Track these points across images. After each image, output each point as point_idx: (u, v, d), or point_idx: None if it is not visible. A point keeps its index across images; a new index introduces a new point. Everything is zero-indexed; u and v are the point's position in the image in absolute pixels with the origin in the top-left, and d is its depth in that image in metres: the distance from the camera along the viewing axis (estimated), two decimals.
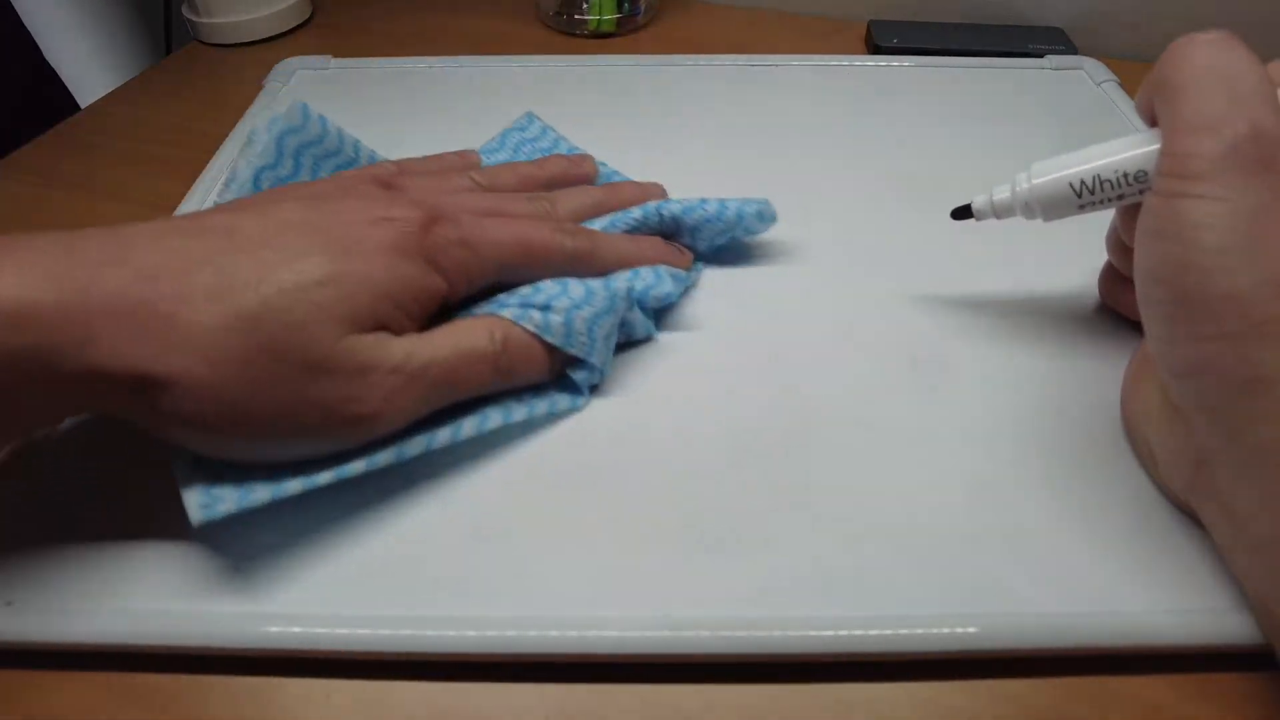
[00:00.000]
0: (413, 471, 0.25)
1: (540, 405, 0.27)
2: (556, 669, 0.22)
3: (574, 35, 0.53)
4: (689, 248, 0.32)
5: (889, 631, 0.21)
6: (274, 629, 0.21)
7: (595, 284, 0.27)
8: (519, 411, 0.26)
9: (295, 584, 0.23)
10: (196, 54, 0.52)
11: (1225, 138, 0.20)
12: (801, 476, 0.25)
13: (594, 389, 0.28)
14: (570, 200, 0.31)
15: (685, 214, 0.31)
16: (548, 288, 0.27)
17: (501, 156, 0.37)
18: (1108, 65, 0.46)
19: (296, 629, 0.21)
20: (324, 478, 0.23)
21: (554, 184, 0.33)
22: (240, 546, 0.23)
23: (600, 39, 0.53)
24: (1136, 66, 0.47)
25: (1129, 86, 0.44)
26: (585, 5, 0.51)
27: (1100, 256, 0.29)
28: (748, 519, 0.24)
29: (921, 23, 0.52)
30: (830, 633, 0.21)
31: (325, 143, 0.32)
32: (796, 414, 0.27)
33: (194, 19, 0.52)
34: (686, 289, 0.31)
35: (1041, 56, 0.47)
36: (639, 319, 0.29)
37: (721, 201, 0.32)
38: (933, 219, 0.31)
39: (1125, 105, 0.42)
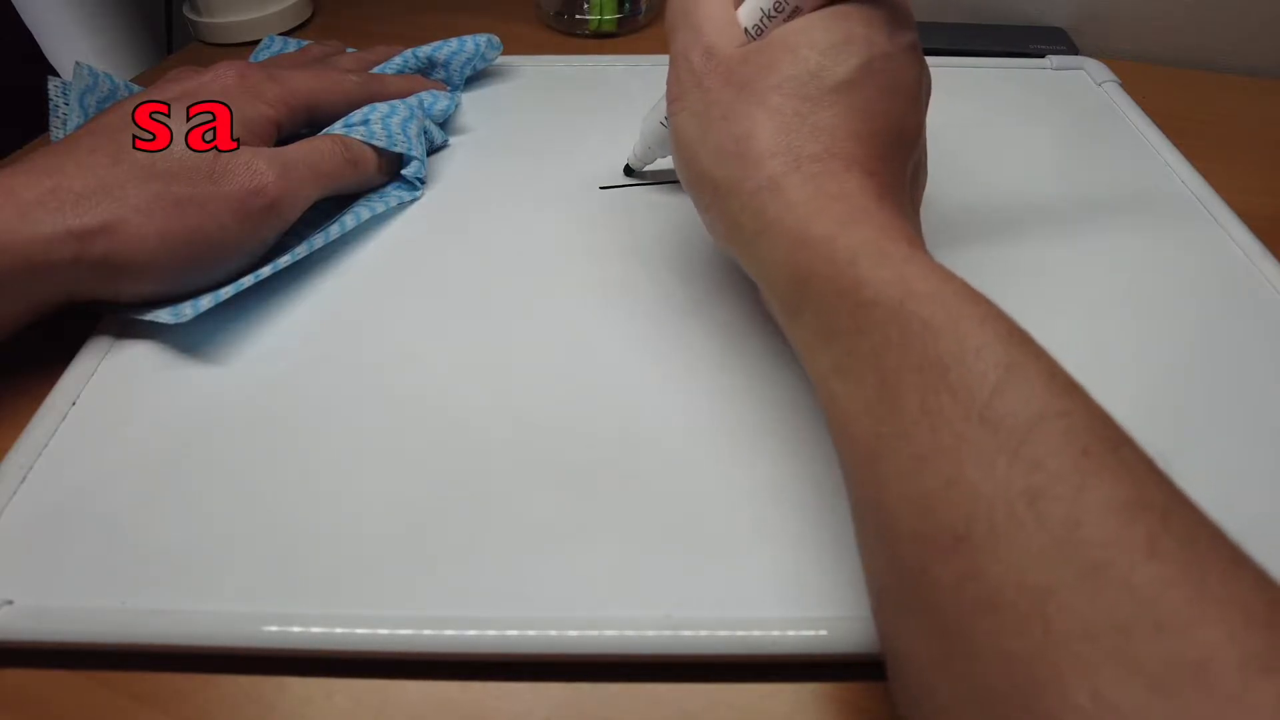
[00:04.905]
0: (412, 467, 0.25)
1: (391, 199, 0.35)
2: (557, 669, 0.22)
3: (574, 35, 0.53)
4: (445, 81, 0.43)
5: None
6: (274, 629, 0.21)
7: (395, 103, 0.37)
8: (379, 205, 0.35)
9: (295, 584, 0.23)
10: (197, 54, 0.52)
11: (691, 61, 0.25)
12: (806, 475, 0.25)
13: (424, 180, 0.37)
14: (349, 60, 0.41)
15: (435, 52, 0.42)
16: (361, 112, 0.35)
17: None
18: (1108, 65, 0.46)
19: (296, 629, 0.21)
20: (264, 270, 0.30)
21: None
22: (240, 546, 0.23)
23: (600, 39, 0.53)
24: (1137, 66, 0.47)
25: (1130, 86, 0.44)
26: (586, 5, 0.51)
27: None
28: (750, 517, 0.24)
29: (922, 23, 0.51)
30: (832, 633, 0.21)
31: (117, 95, 0.35)
32: (809, 416, 0.27)
33: (194, 19, 0.52)
34: (456, 106, 0.42)
35: (1042, 56, 0.47)
36: (434, 130, 0.39)
37: (460, 39, 0.43)
38: (932, 218, 0.31)
39: (1126, 105, 0.42)
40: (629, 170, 0.37)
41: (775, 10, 0.24)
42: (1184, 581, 0.14)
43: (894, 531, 0.17)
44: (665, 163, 0.37)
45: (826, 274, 0.21)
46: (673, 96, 0.26)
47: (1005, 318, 0.18)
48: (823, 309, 0.21)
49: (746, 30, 0.25)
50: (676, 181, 0.37)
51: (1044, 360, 0.17)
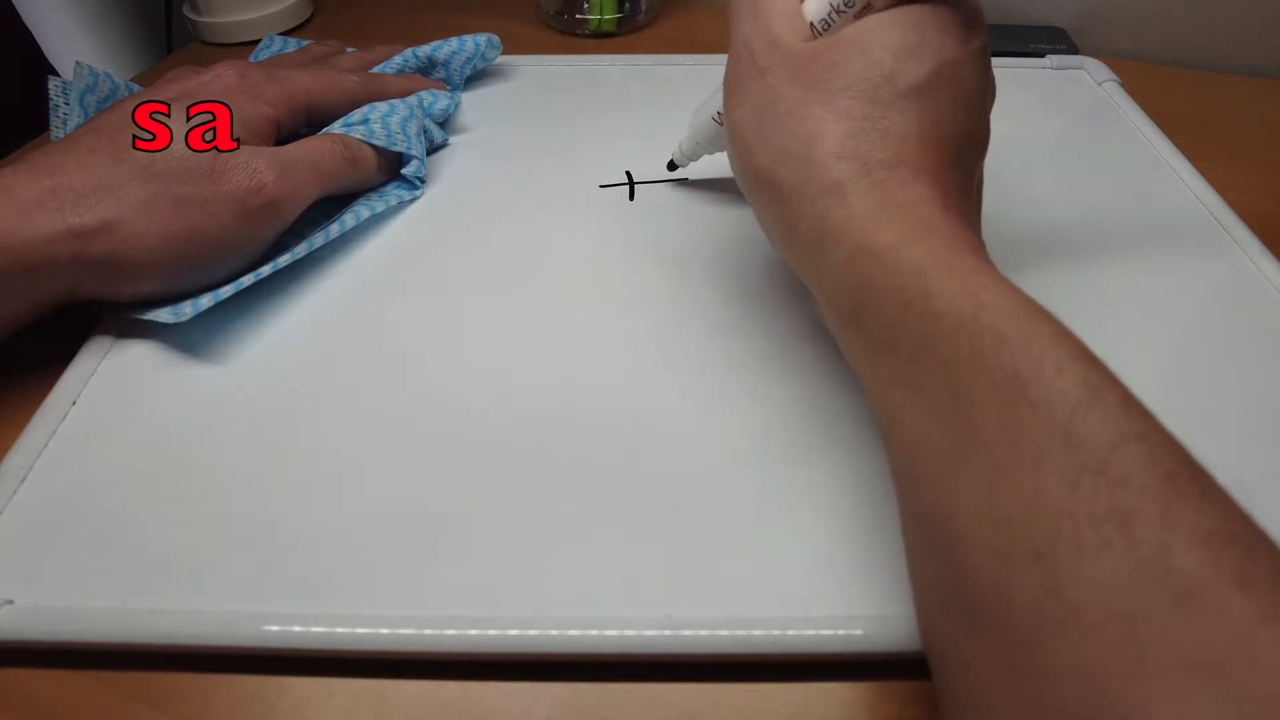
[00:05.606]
0: (412, 467, 0.25)
1: (391, 198, 0.35)
2: (557, 668, 0.22)
3: (574, 35, 0.53)
4: (445, 80, 0.43)
5: (892, 630, 0.21)
6: (274, 629, 0.21)
7: (395, 102, 0.37)
8: (379, 205, 0.35)
9: (295, 584, 0.23)
10: (197, 54, 0.52)
11: (753, 52, 0.24)
12: (805, 475, 0.25)
13: (423, 180, 0.37)
14: (349, 59, 0.41)
15: (435, 52, 0.42)
16: (360, 111, 0.36)
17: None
18: (1108, 65, 0.46)
19: (296, 628, 0.21)
20: (264, 270, 0.30)
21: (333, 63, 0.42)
22: (240, 546, 0.23)
23: (600, 39, 0.53)
24: (1137, 66, 0.47)
25: (1130, 86, 0.44)
26: (585, 5, 0.51)
27: None
28: (749, 518, 0.24)
29: None
30: (832, 632, 0.21)
31: (117, 95, 0.35)
32: (805, 416, 0.27)
33: (194, 18, 0.52)
34: (456, 106, 0.42)
35: (1042, 56, 0.47)
36: (434, 129, 0.39)
37: (460, 39, 0.43)
38: None
39: (1127, 105, 0.42)
40: (672, 166, 0.36)
41: (845, 5, 0.23)
42: (1277, 616, 0.13)
43: (964, 543, 0.17)
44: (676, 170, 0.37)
45: (891, 284, 0.20)
46: (731, 89, 0.25)
47: (1075, 336, 0.18)
48: (885, 319, 0.20)
49: (812, 25, 0.24)
50: (677, 181, 0.37)
51: (1119, 383, 0.17)
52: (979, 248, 0.21)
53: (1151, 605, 0.14)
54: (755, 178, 0.24)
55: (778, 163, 0.23)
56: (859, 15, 0.23)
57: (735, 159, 0.25)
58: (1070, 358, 0.17)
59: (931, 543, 0.19)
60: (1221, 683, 0.13)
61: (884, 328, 0.20)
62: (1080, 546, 0.15)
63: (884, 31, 0.23)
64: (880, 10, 0.23)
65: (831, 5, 0.24)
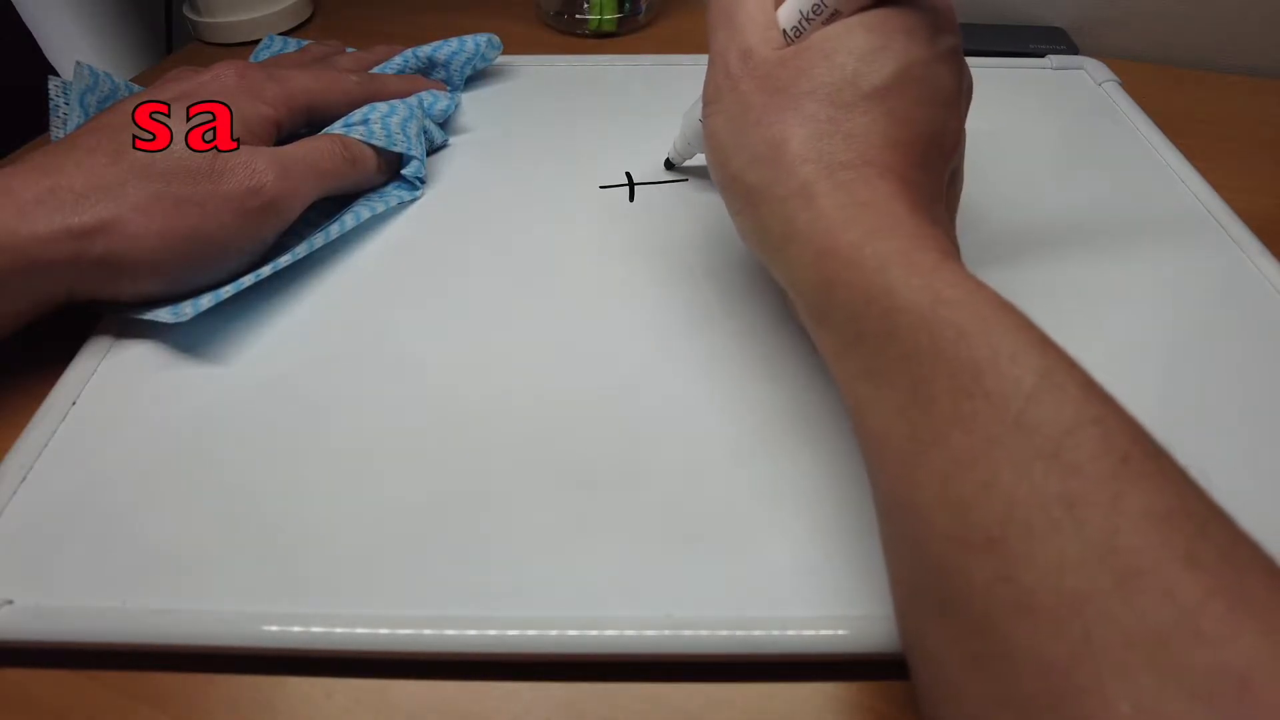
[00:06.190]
0: (412, 467, 0.25)
1: (391, 199, 0.35)
2: (558, 668, 0.22)
3: (574, 35, 0.53)
4: (445, 80, 0.43)
5: (893, 630, 0.21)
6: (274, 629, 0.21)
7: (395, 102, 0.37)
8: (379, 205, 0.35)
9: (295, 584, 0.23)
10: (197, 54, 0.52)
11: (728, 62, 0.25)
12: (805, 475, 0.25)
13: (423, 181, 0.37)
14: (349, 59, 0.41)
15: (435, 52, 0.42)
16: (360, 112, 0.36)
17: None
18: (1108, 65, 0.46)
19: (296, 628, 0.21)
20: (265, 270, 0.30)
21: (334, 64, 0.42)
22: (240, 546, 0.23)
23: (600, 39, 0.53)
24: (1137, 66, 0.47)
25: (1130, 86, 0.44)
26: (586, 5, 0.51)
27: None
28: (751, 517, 0.24)
29: None
30: (833, 632, 0.21)
31: (117, 95, 0.35)
32: (807, 415, 0.27)
33: (194, 18, 0.52)
34: (456, 106, 0.42)
35: (1042, 56, 0.47)
36: (434, 129, 0.39)
37: (460, 39, 0.43)
38: None
39: (1126, 105, 0.42)
40: (669, 164, 0.37)
41: (814, 12, 0.24)
42: (1224, 592, 0.14)
43: (927, 532, 0.17)
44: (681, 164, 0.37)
45: (855, 281, 0.20)
46: (708, 98, 0.26)
47: (1036, 327, 0.18)
48: (850, 315, 0.20)
49: (785, 32, 0.25)
50: (677, 182, 0.37)
51: (1077, 369, 0.17)
52: (945, 244, 0.21)
53: (1097, 586, 0.14)
54: (730, 183, 0.25)
55: (749, 168, 0.24)
56: (828, 21, 0.24)
57: (713, 165, 0.26)
58: (1027, 347, 0.17)
59: (900, 535, 0.19)
60: (1164, 658, 0.13)
61: (850, 324, 0.20)
62: (1030, 531, 0.15)
63: (849, 35, 0.23)
64: (847, 15, 0.23)
65: (801, 13, 0.24)
